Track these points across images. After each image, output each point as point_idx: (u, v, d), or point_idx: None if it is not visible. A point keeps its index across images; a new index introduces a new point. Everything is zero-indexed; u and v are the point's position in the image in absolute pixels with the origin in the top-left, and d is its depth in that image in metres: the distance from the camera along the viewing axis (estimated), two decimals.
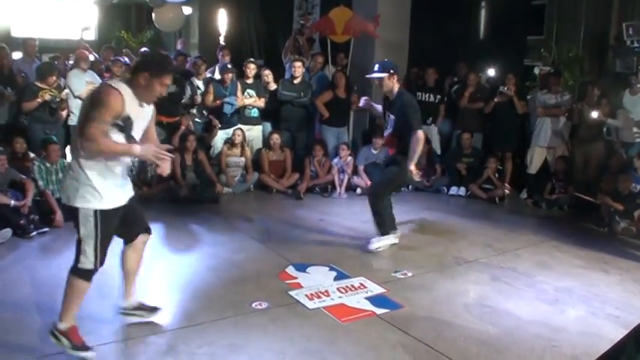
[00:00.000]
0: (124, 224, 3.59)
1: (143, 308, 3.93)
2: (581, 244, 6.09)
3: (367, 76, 5.66)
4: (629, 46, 7.53)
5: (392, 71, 5.39)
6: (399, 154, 5.47)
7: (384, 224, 5.64)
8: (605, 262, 5.59)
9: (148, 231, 3.84)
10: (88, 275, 3.41)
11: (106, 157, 3.31)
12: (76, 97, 7.52)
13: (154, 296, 4.28)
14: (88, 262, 3.38)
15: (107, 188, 3.38)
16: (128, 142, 3.37)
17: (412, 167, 5.24)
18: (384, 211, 5.64)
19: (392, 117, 5.49)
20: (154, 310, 3.95)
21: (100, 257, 3.40)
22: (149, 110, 3.56)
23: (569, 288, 4.85)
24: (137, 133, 3.47)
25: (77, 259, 3.39)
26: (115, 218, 3.47)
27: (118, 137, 3.32)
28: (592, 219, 6.92)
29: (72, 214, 3.41)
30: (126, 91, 3.32)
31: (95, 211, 3.34)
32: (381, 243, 5.61)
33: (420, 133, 5.22)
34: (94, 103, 3.24)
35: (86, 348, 3.45)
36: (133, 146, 3.35)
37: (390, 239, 5.67)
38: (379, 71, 5.41)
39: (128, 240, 3.79)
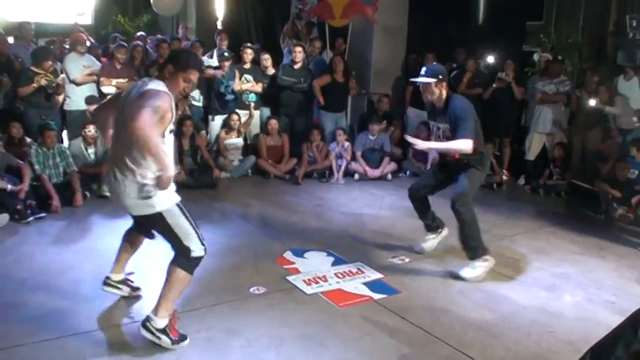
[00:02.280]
0: None
1: (126, 284, 4.08)
2: (578, 230, 6.10)
3: (412, 79, 4.86)
4: (632, 39, 7.48)
5: (440, 77, 4.63)
6: (466, 163, 4.71)
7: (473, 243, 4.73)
8: (601, 248, 5.61)
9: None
10: (197, 264, 3.46)
11: (147, 154, 3.16)
12: (71, 81, 7.46)
13: (151, 282, 4.28)
14: (198, 250, 3.41)
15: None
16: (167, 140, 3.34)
17: (419, 143, 4.64)
18: (474, 226, 4.72)
19: (441, 127, 4.76)
20: (136, 289, 4.10)
21: (204, 240, 3.45)
22: None
23: (565, 274, 4.86)
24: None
25: (184, 253, 3.39)
26: None
27: (170, 138, 3.35)
28: (589, 205, 6.92)
29: (153, 223, 3.44)
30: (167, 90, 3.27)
31: (177, 204, 3.39)
32: (477, 270, 4.70)
33: (469, 143, 4.43)
34: (156, 107, 3.11)
35: (184, 338, 3.47)
36: (170, 168, 3.19)
37: (486, 263, 4.75)
38: (425, 75, 4.65)
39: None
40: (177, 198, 3.43)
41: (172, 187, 3.38)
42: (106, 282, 4.00)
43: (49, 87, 7.03)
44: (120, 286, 4.03)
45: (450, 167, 4.90)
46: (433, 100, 4.73)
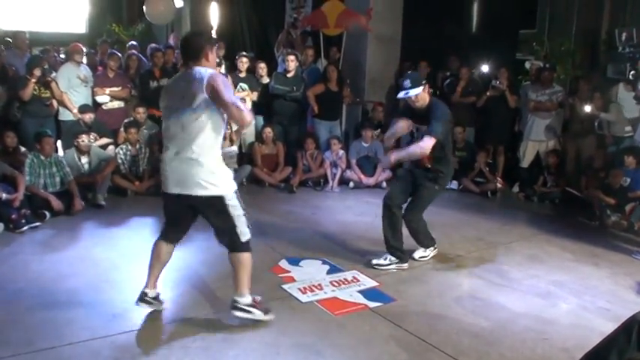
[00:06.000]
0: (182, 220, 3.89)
1: (159, 300, 4.00)
2: (572, 237, 6.12)
3: (401, 97, 4.81)
4: (621, 52, 7.56)
5: (424, 82, 4.77)
6: (435, 168, 4.93)
7: (425, 240, 5.22)
8: (596, 255, 5.63)
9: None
10: (249, 245, 3.78)
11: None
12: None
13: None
14: (247, 234, 3.73)
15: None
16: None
17: (393, 157, 4.88)
18: (424, 229, 5.18)
19: (421, 129, 4.82)
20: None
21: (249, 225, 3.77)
22: None
23: (560, 281, 4.88)
24: None
25: (235, 239, 3.71)
26: None
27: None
28: (583, 213, 6.95)
29: (209, 205, 3.65)
30: None
31: (235, 191, 3.70)
32: (427, 253, 5.23)
33: (431, 142, 4.63)
34: (224, 86, 3.49)
35: (268, 310, 3.91)
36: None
37: (431, 252, 5.26)
38: (415, 86, 4.68)
39: (173, 237, 3.96)
40: (235, 186, 3.73)
41: (231, 174, 3.75)
42: (143, 298, 3.90)
43: (47, 71, 7.03)
44: (153, 302, 3.94)
45: (416, 175, 5.02)
46: (422, 106, 4.79)
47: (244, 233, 3.71)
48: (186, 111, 3.53)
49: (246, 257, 3.76)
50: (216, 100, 3.47)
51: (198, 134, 3.53)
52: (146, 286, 3.90)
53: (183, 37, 3.99)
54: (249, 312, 3.80)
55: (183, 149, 3.58)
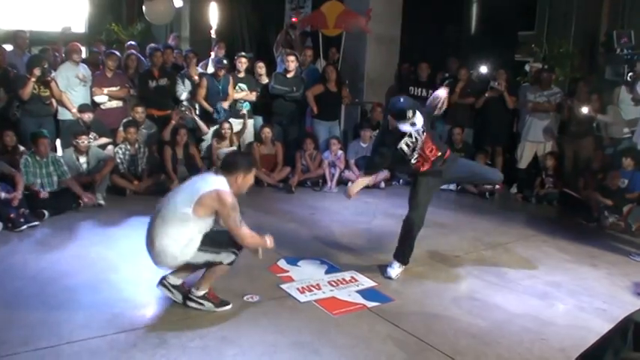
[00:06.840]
0: None
1: (181, 291, 4.12)
2: (570, 238, 6.14)
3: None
4: (618, 54, 7.60)
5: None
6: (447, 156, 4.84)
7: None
8: (593, 256, 5.64)
9: None
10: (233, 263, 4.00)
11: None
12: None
13: (145, 290, 4.29)
14: (228, 259, 3.94)
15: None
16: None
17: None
18: None
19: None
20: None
21: (234, 248, 3.95)
22: None
23: (557, 282, 4.89)
24: None
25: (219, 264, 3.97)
26: None
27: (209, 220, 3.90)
28: (581, 214, 6.96)
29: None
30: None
31: (198, 249, 3.87)
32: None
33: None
34: (232, 207, 3.76)
35: (226, 303, 4.09)
36: (265, 240, 4.07)
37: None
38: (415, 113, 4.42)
39: None
40: (195, 247, 3.85)
41: (183, 246, 3.83)
42: (162, 282, 4.11)
43: (47, 70, 7.06)
44: (174, 291, 4.10)
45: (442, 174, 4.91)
46: None
47: (223, 259, 3.93)
48: (177, 196, 3.85)
49: (225, 269, 4.00)
50: (221, 217, 3.80)
51: (169, 223, 3.81)
52: (171, 272, 4.10)
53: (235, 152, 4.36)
54: (201, 304, 4.01)
55: (152, 227, 3.90)
